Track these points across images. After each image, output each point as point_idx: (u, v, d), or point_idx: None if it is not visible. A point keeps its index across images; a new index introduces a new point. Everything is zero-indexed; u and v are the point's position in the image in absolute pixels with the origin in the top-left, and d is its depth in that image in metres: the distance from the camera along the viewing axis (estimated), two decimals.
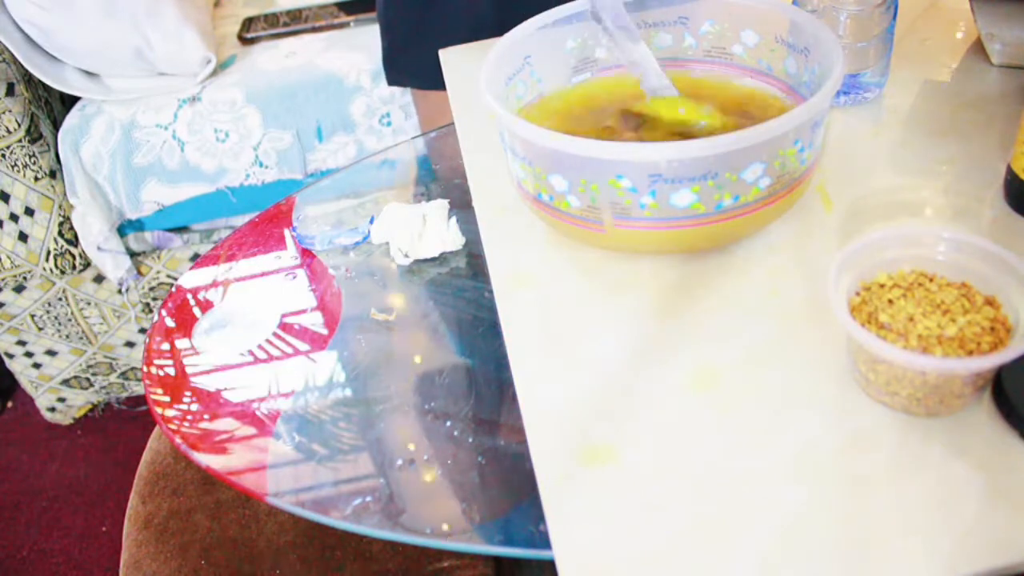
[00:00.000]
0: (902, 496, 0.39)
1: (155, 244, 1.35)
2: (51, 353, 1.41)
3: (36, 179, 1.22)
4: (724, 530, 0.39)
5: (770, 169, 0.48)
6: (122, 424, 1.52)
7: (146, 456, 0.84)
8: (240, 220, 1.35)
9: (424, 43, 0.92)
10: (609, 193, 0.49)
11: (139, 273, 1.33)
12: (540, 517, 0.41)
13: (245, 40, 1.36)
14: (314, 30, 1.36)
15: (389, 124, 1.27)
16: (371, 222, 0.71)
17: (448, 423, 0.55)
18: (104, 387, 1.48)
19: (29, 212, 1.23)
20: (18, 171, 1.20)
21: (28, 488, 1.43)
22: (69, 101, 1.30)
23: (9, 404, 1.60)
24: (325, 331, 0.65)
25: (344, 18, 1.36)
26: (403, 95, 1.25)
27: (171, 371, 0.64)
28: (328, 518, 0.51)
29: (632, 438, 0.44)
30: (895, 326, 0.43)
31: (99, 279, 1.34)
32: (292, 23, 1.37)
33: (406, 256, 0.67)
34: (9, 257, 1.25)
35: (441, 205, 0.69)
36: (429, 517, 0.50)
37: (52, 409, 1.50)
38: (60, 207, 1.25)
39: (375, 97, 1.25)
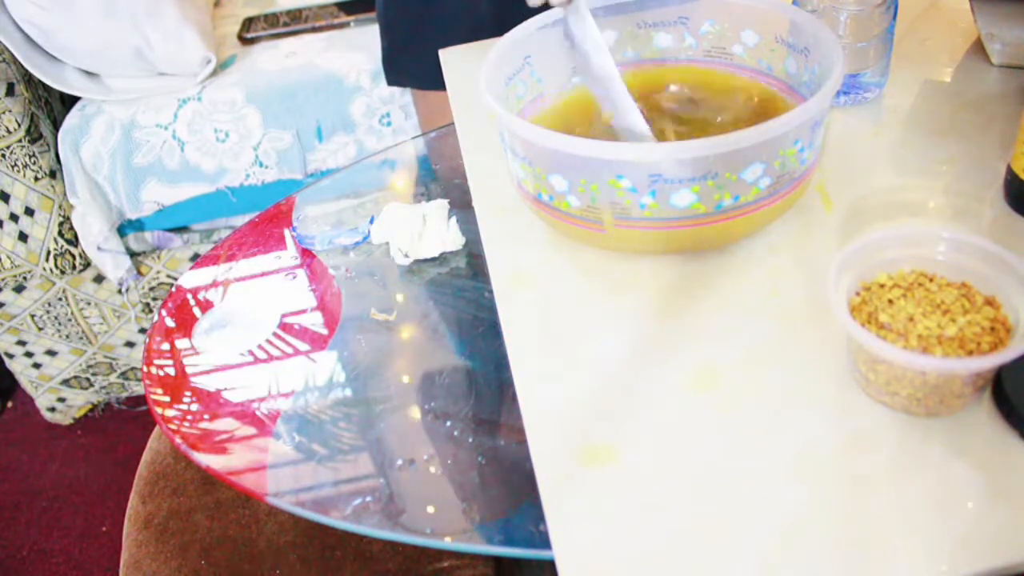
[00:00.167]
0: (902, 496, 0.39)
1: (155, 244, 1.35)
2: (51, 353, 1.41)
3: (36, 179, 1.22)
4: (724, 530, 0.39)
5: (770, 169, 0.48)
6: (122, 424, 1.52)
7: (146, 456, 0.84)
8: (240, 220, 1.35)
9: (424, 43, 0.92)
10: (609, 193, 0.49)
11: (139, 273, 1.33)
12: (540, 517, 0.41)
13: (245, 40, 1.36)
14: (314, 30, 1.36)
15: (389, 124, 1.27)
16: (371, 222, 0.71)
17: (448, 423, 0.55)
18: (104, 387, 1.48)
19: (29, 212, 1.23)
20: (18, 171, 1.20)
21: (28, 488, 1.43)
22: (69, 101, 1.30)
23: (9, 404, 1.60)
24: (325, 331, 0.65)
25: (344, 18, 1.36)
26: (403, 95, 1.25)
27: (171, 371, 0.64)
28: (328, 518, 0.51)
29: (632, 438, 0.44)
30: (895, 326, 0.43)
31: (99, 279, 1.34)
32: (292, 23, 1.37)
33: (406, 256, 0.67)
34: (9, 257, 1.25)
35: (441, 205, 0.69)
36: (429, 517, 0.50)
37: (52, 409, 1.50)
38: (60, 207, 1.25)
39: (375, 97, 1.25)
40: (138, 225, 1.31)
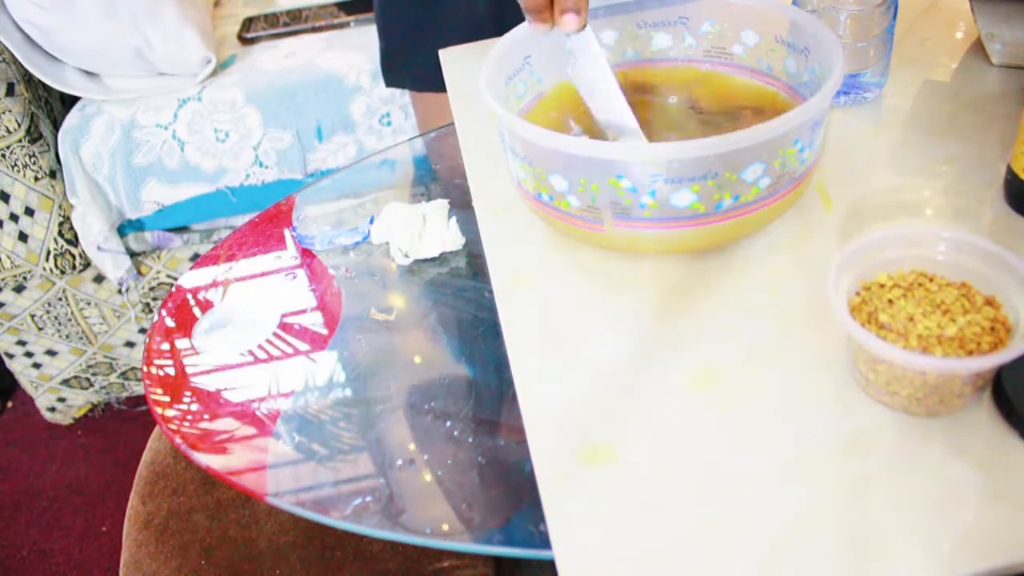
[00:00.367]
0: (902, 496, 0.39)
1: (155, 244, 1.35)
2: (51, 353, 1.41)
3: (36, 179, 1.22)
4: (724, 530, 0.39)
5: (770, 169, 0.48)
6: (122, 424, 1.52)
7: (146, 456, 0.84)
8: (240, 220, 1.35)
9: (421, 45, 0.92)
10: (609, 193, 0.49)
11: (139, 273, 1.33)
12: (540, 517, 0.41)
13: (245, 40, 1.36)
14: (314, 30, 1.36)
15: (389, 124, 1.27)
16: (371, 222, 0.71)
17: (448, 423, 0.55)
18: (104, 387, 1.48)
19: (29, 212, 1.23)
20: (18, 171, 1.20)
21: (28, 488, 1.43)
22: (69, 101, 1.30)
23: (9, 404, 1.60)
24: (325, 331, 0.65)
25: (344, 18, 1.36)
26: (403, 95, 1.25)
27: (171, 371, 0.64)
28: (328, 518, 0.51)
29: (632, 438, 0.44)
30: (895, 326, 0.43)
31: (99, 279, 1.34)
32: (292, 23, 1.37)
33: (406, 256, 0.67)
34: (9, 257, 1.25)
35: (441, 205, 0.69)
36: (429, 517, 0.50)
37: (52, 409, 1.50)
38: (60, 207, 1.25)
39: (375, 97, 1.25)
40: (138, 225, 1.31)
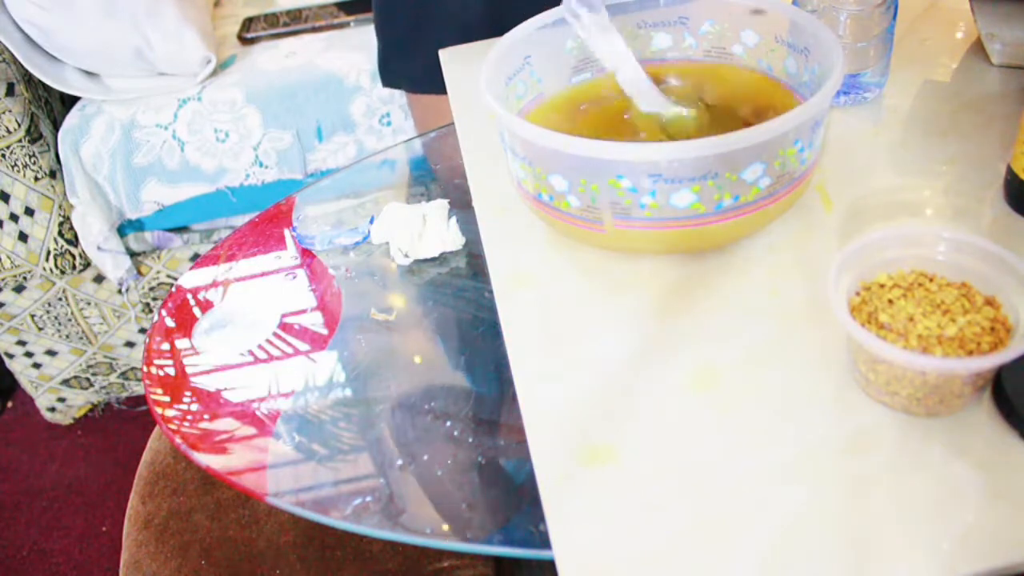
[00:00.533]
0: (902, 496, 0.39)
1: (155, 244, 1.35)
2: (51, 353, 1.41)
3: (36, 179, 1.22)
4: (724, 530, 0.39)
5: (770, 169, 0.48)
6: (122, 424, 1.52)
7: (146, 456, 0.84)
8: (240, 220, 1.35)
9: (418, 47, 0.92)
10: (609, 193, 0.49)
11: (139, 273, 1.33)
12: (540, 517, 0.41)
13: (245, 40, 1.36)
14: (314, 30, 1.36)
15: (389, 124, 1.27)
16: (371, 222, 0.71)
17: (448, 423, 0.55)
18: (104, 387, 1.48)
19: (29, 212, 1.23)
20: (18, 171, 1.20)
21: (28, 488, 1.43)
22: (69, 101, 1.30)
23: (9, 404, 1.60)
24: (325, 331, 0.65)
25: (344, 18, 1.36)
26: (402, 95, 1.25)
27: (171, 371, 0.64)
28: (328, 518, 0.51)
29: (632, 438, 0.44)
30: (895, 326, 0.43)
31: (99, 279, 1.34)
32: (292, 23, 1.37)
33: (406, 256, 0.67)
34: (9, 257, 1.25)
35: (441, 205, 0.69)
36: (429, 517, 0.50)
37: (52, 409, 1.50)
38: (60, 207, 1.25)
39: (375, 97, 1.25)
40: (138, 225, 1.31)
